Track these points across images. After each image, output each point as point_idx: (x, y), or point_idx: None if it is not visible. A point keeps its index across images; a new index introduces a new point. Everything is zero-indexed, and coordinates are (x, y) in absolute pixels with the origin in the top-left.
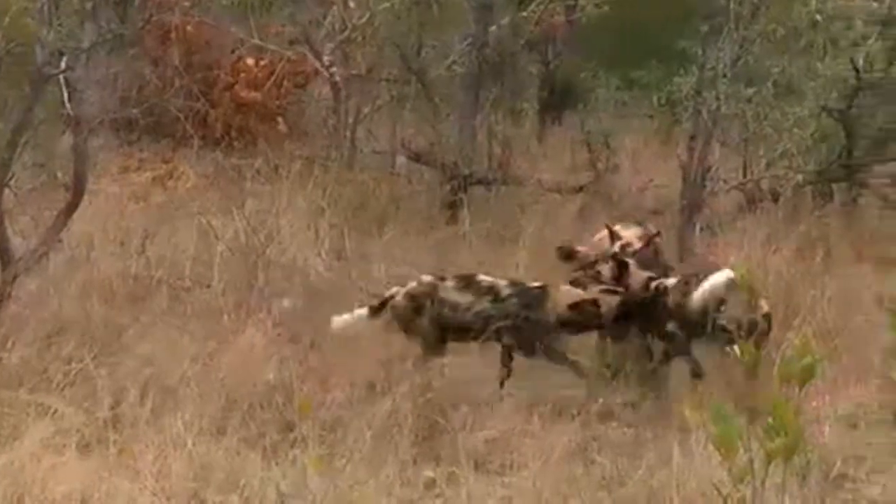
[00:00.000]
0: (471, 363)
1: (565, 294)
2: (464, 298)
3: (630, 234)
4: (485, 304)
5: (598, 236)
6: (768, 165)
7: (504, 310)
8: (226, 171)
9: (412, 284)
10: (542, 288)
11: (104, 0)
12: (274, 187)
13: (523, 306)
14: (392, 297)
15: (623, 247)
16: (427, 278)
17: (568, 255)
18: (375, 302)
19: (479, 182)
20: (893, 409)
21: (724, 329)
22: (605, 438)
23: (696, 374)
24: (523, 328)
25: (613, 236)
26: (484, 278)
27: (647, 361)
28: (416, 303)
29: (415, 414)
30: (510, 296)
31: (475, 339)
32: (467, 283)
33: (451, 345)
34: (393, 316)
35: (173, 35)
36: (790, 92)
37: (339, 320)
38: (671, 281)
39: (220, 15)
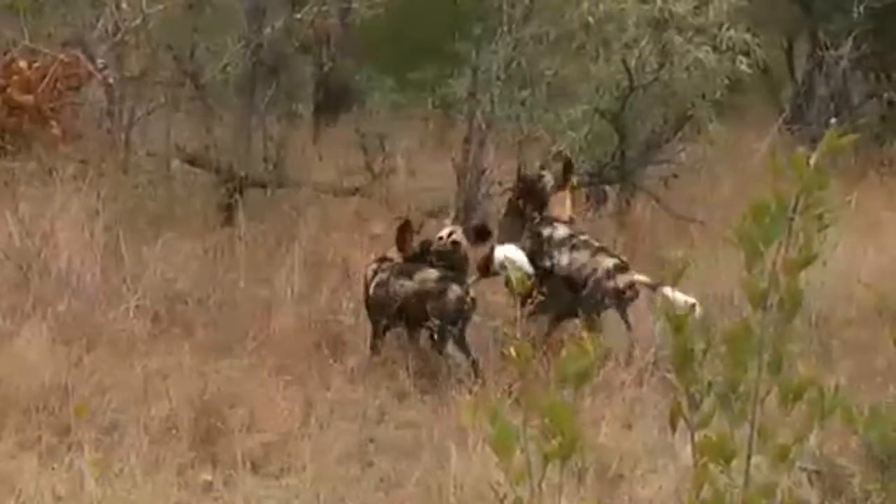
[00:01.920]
0: (245, 365)
1: None
2: None
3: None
4: None
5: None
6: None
7: None
8: None
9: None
10: None
11: None
12: (48, 191)
13: None
14: None
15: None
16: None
17: None
18: None
19: (255, 184)
20: (668, 410)
21: None
22: (383, 440)
23: None
24: None
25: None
26: None
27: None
28: None
29: (192, 417)
30: None
31: None
32: None
33: (226, 348)
34: None
35: None
36: (563, 94)
37: None
38: None
39: None
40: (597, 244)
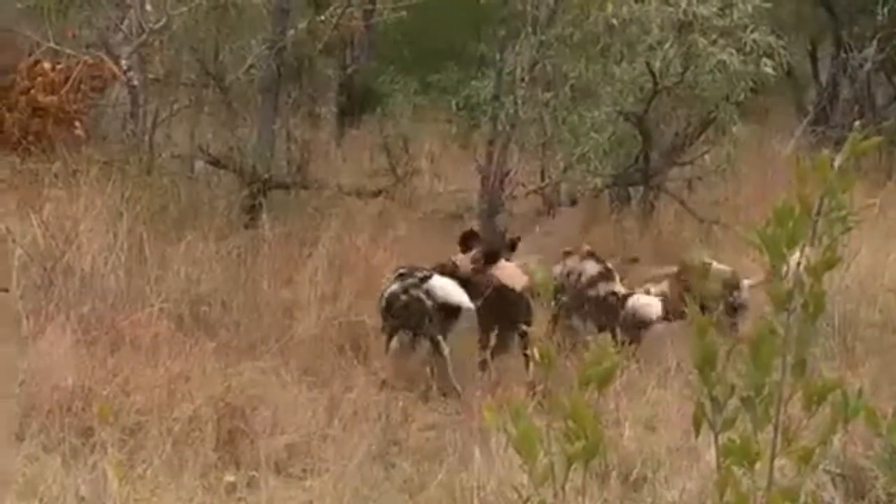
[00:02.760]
0: (268, 367)
1: None
2: None
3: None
4: None
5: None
6: (566, 169)
7: None
8: (23, 175)
9: None
10: None
11: None
12: (72, 192)
13: None
14: None
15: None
16: None
17: None
18: None
19: (279, 186)
20: (692, 412)
21: None
22: (406, 442)
23: None
24: None
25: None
26: None
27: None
28: None
29: (215, 418)
30: None
31: None
32: None
33: (249, 350)
34: None
35: None
36: (587, 96)
37: None
38: None
39: (15, 18)
40: (587, 248)
